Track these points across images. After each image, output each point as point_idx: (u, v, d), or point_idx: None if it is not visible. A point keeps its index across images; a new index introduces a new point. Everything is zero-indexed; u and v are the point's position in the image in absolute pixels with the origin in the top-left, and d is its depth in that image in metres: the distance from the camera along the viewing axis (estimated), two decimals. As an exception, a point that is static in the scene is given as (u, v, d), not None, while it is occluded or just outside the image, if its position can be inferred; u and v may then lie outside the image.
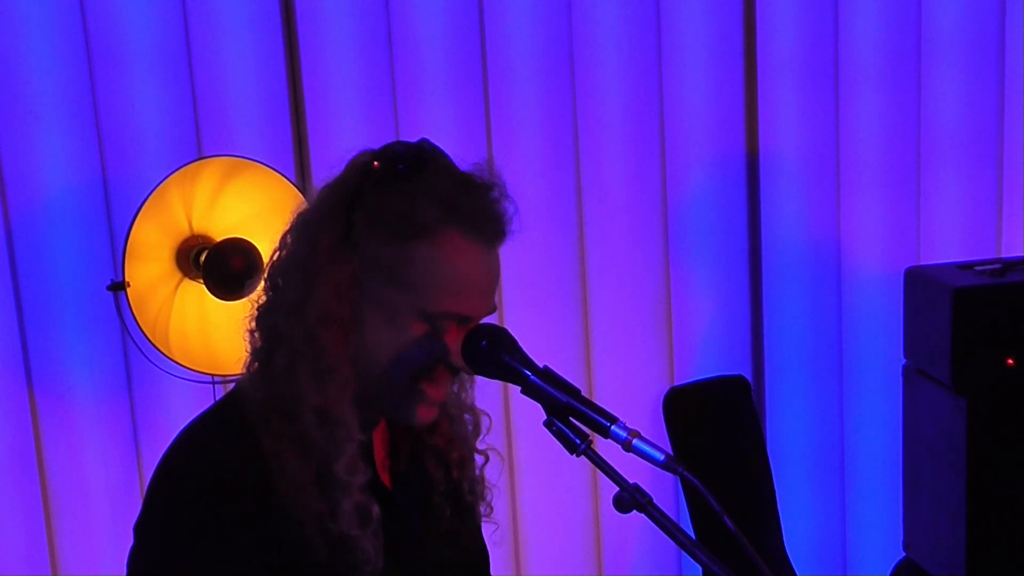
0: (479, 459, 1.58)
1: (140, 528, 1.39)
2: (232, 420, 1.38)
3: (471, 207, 1.37)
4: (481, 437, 1.57)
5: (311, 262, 1.38)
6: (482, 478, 1.59)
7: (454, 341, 1.38)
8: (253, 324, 1.43)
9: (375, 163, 1.38)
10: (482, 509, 1.60)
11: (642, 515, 1.30)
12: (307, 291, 1.37)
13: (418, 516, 1.51)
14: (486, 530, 1.62)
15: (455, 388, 1.52)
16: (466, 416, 1.56)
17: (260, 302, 1.44)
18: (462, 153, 1.45)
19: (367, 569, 1.36)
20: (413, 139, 1.43)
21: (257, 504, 1.33)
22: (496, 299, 1.46)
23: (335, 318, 1.36)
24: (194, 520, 1.32)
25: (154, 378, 2.61)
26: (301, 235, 1.41)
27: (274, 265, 1.43)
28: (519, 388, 1.37)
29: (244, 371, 1.43)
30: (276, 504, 1.34)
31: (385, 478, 1.49)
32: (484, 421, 1.57)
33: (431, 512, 1.53)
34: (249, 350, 1.43)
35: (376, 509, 1.37)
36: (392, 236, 1.36)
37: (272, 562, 1.34)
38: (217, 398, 2.37)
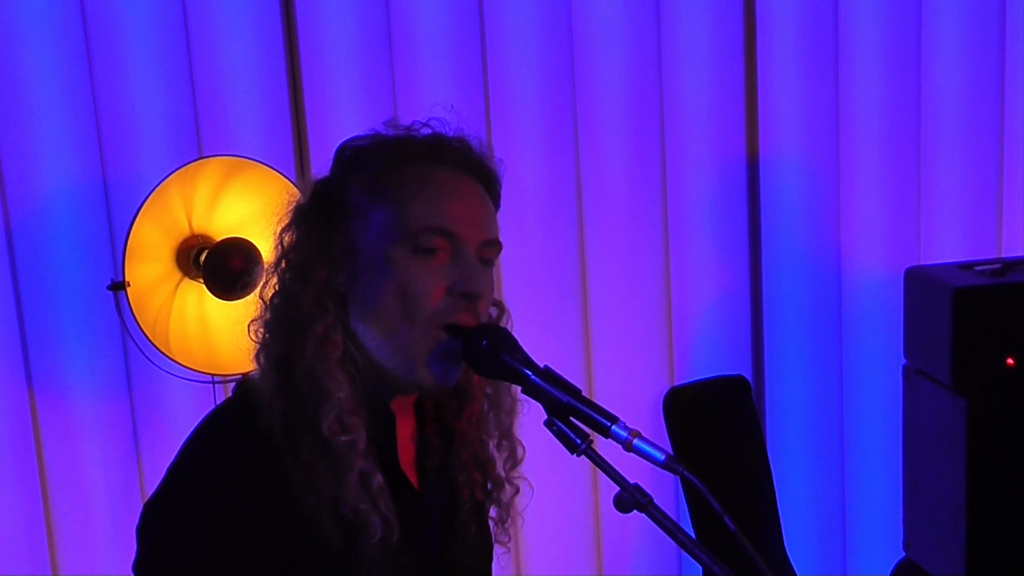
0: (508, 489, 1.57)
1: (151, 518, 1.38)
2: (245, 414, 1.38)
3: (435, 144, 1.42)
4: (516, 468, 1.56)
5: (294, 238, 1.43)
6: (508, 507, 1.58)
7: (454, 268, 1.38)
8: (258, 308, 1.45)
9: (348, 143, 1.45)
10: (498, 534, 1.60)
11: (642, 515, 1.30)
12: (287, 259, 1.42)
13: (442, 517, 1.51)
14: (495, 551, 1.62)
15: (497, 413, 1.52)
16: (504, 443, 1.55)
17: (263, 291, 1.46)
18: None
19: (379, 546, 1.36)
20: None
21: (270, 496, 1.33)
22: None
23: (312, 279, 1.39)
24: (206, 514, 1.32)
25: (154, 378, 2.61)
26: (288, 222, 1.46)
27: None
28: (519, 388, 1.37)
29: (253, 362, 1.44)
30: (290, 495, 1.34)
31: (413, 477, 1.48)
32: (519, 452, 1.56)
33: (457, 526, 1.53)
34: (256, 341, 1.45)
35: (378, 478, 1.37)
36: (362, 185, 1.40)
37: (286, 552, 1.34)
38: (217, 398, 2.37)
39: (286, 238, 1.44)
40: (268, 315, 1.43)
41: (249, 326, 1.44)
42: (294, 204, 1.45)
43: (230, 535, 1.32)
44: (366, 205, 1.39)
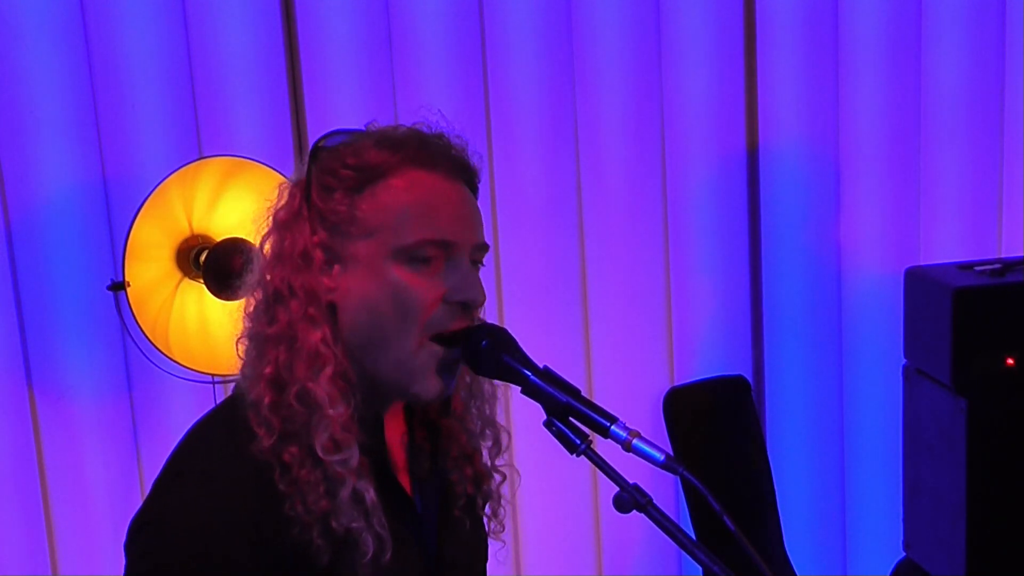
0: (496, 477, 1.56)
1: (138, 534, 1.36)
2: (234, 427, 1.36)
3: (420, 146, 1.38)
4: (501, 455, 1.54)
5: (273, 247, 1.39)
6: (497, 495, 1.57)
7: (449, 275, 1.36)
8: (243, 325, 1.42)
9: (321, 143, 1.40)
10: (492, 526, 1.58)
11: (642, 515, 1.29)
12: (268, 271, 1.38)
13: (437, 522, 1.50)
14: (492, 547, 1.61)
15: (478, 402, 1.49)
16: (487, 431, 1.53)
17: (246, 306, 1.43)
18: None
19: (371, 563, 1.35)
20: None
21: (259, 512, 1.32)
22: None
23: (295, 291, 1.36)
24: (194, 529, 1.31)
25: (154, 378, 2.61)
26: (267, 230, 1.42)
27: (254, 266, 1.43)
28: (519, 388, 1.36)
29: (239, 373, 1.42)
30: (279, 508, 1.33)
31: (405, 482, 1.47)
32: (504, 439, 1.54)
33: (451, 523, 1.51)
34: (241, 352, 1.42)
35: (371, 495, 1.35)
36: (347, 191, 1.36)
37: (275, 569, 1.32)
38: (217, 398, 2.37)
39: (267, 246, 1.40)
40: (254, 330, 1.39)
41: (236, 343, 1.41)
42: (272, 210, 1.41)
43: (218, 551, 1.31)
44: (354, 214, 1.35)
